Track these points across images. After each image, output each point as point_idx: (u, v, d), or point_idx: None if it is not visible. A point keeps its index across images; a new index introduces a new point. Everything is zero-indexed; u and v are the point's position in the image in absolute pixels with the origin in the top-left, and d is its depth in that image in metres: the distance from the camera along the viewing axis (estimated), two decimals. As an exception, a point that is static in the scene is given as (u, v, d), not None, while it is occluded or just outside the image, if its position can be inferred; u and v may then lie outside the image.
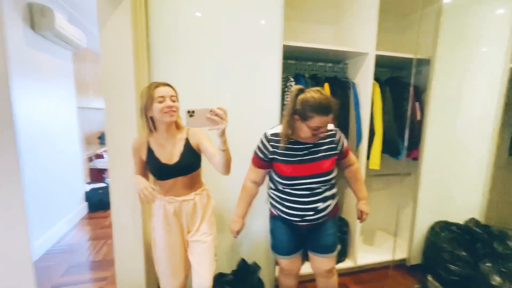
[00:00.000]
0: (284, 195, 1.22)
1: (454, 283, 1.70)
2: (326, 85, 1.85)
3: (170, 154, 1.15)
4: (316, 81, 1.89)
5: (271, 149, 1.18)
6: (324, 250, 1.30)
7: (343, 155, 1.29)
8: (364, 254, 2.13)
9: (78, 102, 2.99)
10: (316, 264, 1.34)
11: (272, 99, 1.61)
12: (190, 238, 1.23)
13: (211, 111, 0.95)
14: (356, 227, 1.96)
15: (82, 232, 2.64)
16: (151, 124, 1.12)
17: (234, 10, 1.50)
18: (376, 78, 2.08)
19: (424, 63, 2.01)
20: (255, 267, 1.57)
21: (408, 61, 2.04)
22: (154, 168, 1.15)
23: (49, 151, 2.41)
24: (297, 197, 1.19)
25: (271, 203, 1.31)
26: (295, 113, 1.09)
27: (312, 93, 1.06)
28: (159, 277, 1.26)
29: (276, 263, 1.71)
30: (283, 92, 1.80)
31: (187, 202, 1.19)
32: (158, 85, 1.09)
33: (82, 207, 3.01)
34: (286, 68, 1.92)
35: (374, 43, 1.79)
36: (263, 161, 1.21)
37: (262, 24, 1.55)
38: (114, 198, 1.39)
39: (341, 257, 2.02)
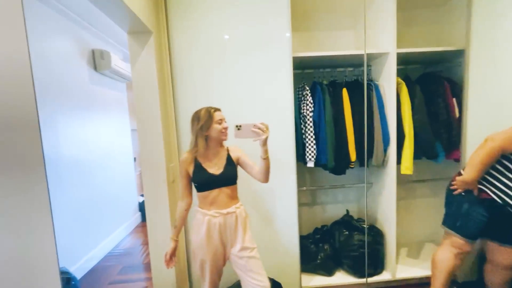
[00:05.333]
0: None
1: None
2: (344, 90, 1.83)
3: (216, 165, 1.29)
4: (334, 87, 1.88)
5: None
6: None
7: None
8: (406, 268, 1.95)
9: (132, 125, 3.49)
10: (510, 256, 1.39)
11: (285, 110, 1.67)
12: (238, 254, 1.29)
13: (254, 125, 1.15)
14: (392, 237, 1.83)
15: (136, 238, 3.02)
16: (205, 141, 1.26)
17: (244, 34, 1.65)
18: (406, 77, 1.97)
19: (459, 55, 1.83)
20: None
21: (443, 54, 1.88)
22: (203, 178, 1.27)
23: (109, 169, 2.86)
24: None
25: (500, 188, 1.29)
26: None
27: None
28: (202, 283, 1.36)
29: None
30: (299, 101, 1.85)
31: (230, 215, 1.28)
32: (216, 109, 1.28)
33: (136, 217, 3.44)
34: (303, 78, 1.97)
35: (394, 41, 1.72)
36: None
37: (272, 40, 1.65)
38: (149, 212, 1.60)
39: (377, 269, 1.89)
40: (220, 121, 1.26)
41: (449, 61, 2.00)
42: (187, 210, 1.36)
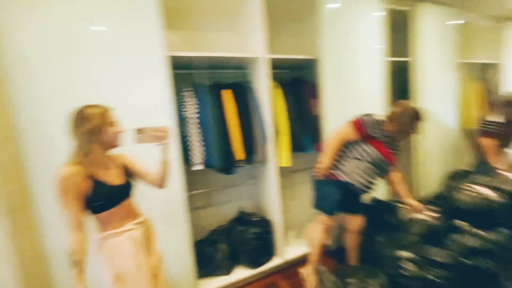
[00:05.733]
0: (368, 170, 1.59)
1: (363, 259, 1.87)
2: (228, 92, 1.89)
3: (114, 176, 1.11)
4: (218, 88, 1.91)
5: (378, 130, 1.56)
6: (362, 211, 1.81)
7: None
8: (294, 249, 2.21)
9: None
10: (358, 222, 1.79)
11: (164, 112, 1.58)
12: (152, 264, 1.20)
13: (155, 129, 1.10)
14: (279, 225, 2.02)
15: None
16: (97, 148, 1.04)
17: (109, 28, 1.45)
18: (280, 80, 2.22)
19: (315, 63, 2.20)
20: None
21: (305, 62, 2.22)
22: (105, 193, 1.06)
23: None
24: (376, 173, 1.62)
25: (342, 171, 1.62)
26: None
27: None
28: None
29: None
30: (182, 103, 1.79)
31: (146, 222, 1.22)
32: (108, 109, 1.07)
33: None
34: (186, 79, 1.92)
35: (264, 48, 1.89)
36: (366, 133, 1.56)
37: (142, 36, 1.51)
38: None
39: (270, 256, 2.05)
40: (114, 123, 1.08)
41: (311, 67, 2.39)
42: (86, 242, 1.04)
